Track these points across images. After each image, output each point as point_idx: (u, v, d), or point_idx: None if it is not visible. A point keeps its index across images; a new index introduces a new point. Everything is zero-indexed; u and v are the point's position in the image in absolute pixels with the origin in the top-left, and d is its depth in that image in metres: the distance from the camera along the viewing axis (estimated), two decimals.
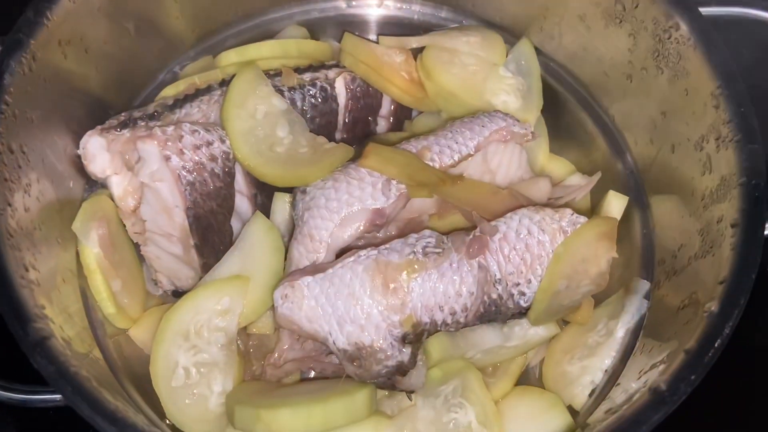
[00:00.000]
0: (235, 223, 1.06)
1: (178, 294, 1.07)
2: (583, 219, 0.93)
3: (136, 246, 1.06)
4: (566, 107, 1.21)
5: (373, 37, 1.29)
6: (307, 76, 1.11)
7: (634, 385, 0.84)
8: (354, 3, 1.28)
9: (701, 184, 0.92)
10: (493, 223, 0.93)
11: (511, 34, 1.22)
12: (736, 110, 0.87)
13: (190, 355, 0.97)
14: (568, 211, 0.94)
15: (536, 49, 1.20)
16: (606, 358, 1.02)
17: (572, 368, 1.04)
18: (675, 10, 0.94)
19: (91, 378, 0.73)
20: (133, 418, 0.71)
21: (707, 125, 0.91)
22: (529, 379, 1.07)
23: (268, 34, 1.25)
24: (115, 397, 0.75)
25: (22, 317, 0.72)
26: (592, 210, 1.15)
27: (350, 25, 1.28)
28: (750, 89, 0.89)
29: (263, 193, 1.06)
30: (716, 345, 0.72)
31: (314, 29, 1.27)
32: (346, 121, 1.14)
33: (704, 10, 0.97)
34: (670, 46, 0.97)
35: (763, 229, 0.80)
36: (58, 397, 0.81)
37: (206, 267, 1.02)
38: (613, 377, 0.99)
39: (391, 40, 1.18)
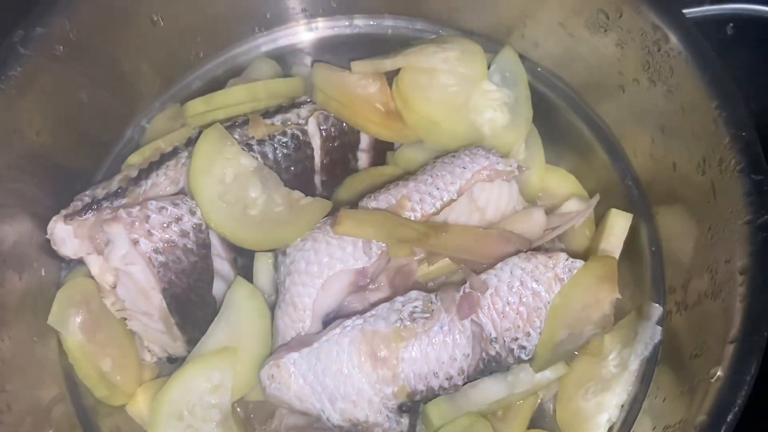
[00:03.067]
0: (219, 285, 1.01)
1: (172, 360, 1.05)
2: (579, 263, 0.87)
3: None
4: (559, 113, 1.13)
5: (346, 58, 1.20)
6: (277, 119, 1.05)
7: None
8: (322, 25, 1.20)
9: (706, 213, 0.85)
10: (483, 276, 0.87)
11: (492, 42, 1.13)
12: (736, 135, 0.79)
13: None
14: (563, 256, 0.87)
15: (520, 56, 1.11)
16: (622, 393, 0.97)
17: (587, 404, 0.99)
18: (662, 22, 0.86)
19: None
20: None
21: (708, 147, 0.84)
22: (543, 416, 1.03)
23: (236, 70, 1.18)
24: None
25: None
26: (597, 224, 1.08)
27: (321, 48, 1.21)
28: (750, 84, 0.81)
29: (243, 255, 1.01)
30: (728, 420, 0.66)
31: (284, 58, 1.21)
32: (324, 162, 1.07)
33: (693, 11, 0.88)
34: (660, 58, 0.88)
35: None
36: None
37: (192, 341, 0.99)
38: (630, 415, 0.95)
39: (364, 65, 1.10)
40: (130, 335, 1.06)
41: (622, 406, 0.97)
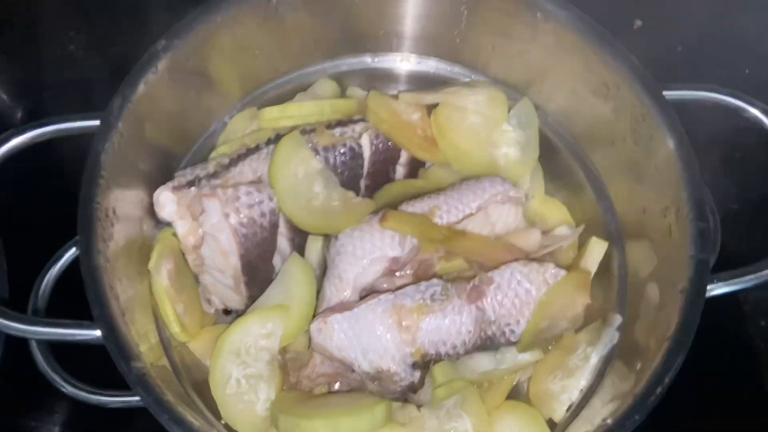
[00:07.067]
0: (277, 259, 1.27)
1: (227, 312, 1.30)
2: (563, 272, 1.14)
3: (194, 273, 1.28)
4: (560, 156, 1.38)
5: (395, 87, 1.47)
6: (337, 131, 1.29)
7: (597, 412, 1.05)
8: (378, 59, 1.46)
9: (663, 248, 1.11)
10: (489, 274, 1.14)
11: (514, 91, 1.40)
12: (692, 192, 1.06)
13: (241, 369, 1.16)
14: (551, 265, 1.14)
15: (535, 106, 1.37)
16: (582, 380, 1.21)
17: (554, 386, 1.24)
18: (648, 102, 1.12)
19: (179, 403, 0.96)
20: None
21: (670, 198, 1.10)
22: (519, 393, 1.27)
23: (303, 86, 1.42)
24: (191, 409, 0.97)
25: (126, 356, 0.95)
26: (579, 248, 1.34)
27: (375, 77, 1.45)
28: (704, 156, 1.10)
29: (300, 236, 1.25)
30: (657, 392, 0.93)
31: (343, 80, 1.45)
32: (370, 170, 1.32)
33: (670, 94, 1.16)
34: (643, 127, 1.15)
35: (703, 297, 1.00)
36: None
37: (252, 298, 1.23)
38: (587, 396, 1.19)
39: (409, 96, 1.36)
40: (197, 289, 1.31)
41: (581, 390, 1.23)
